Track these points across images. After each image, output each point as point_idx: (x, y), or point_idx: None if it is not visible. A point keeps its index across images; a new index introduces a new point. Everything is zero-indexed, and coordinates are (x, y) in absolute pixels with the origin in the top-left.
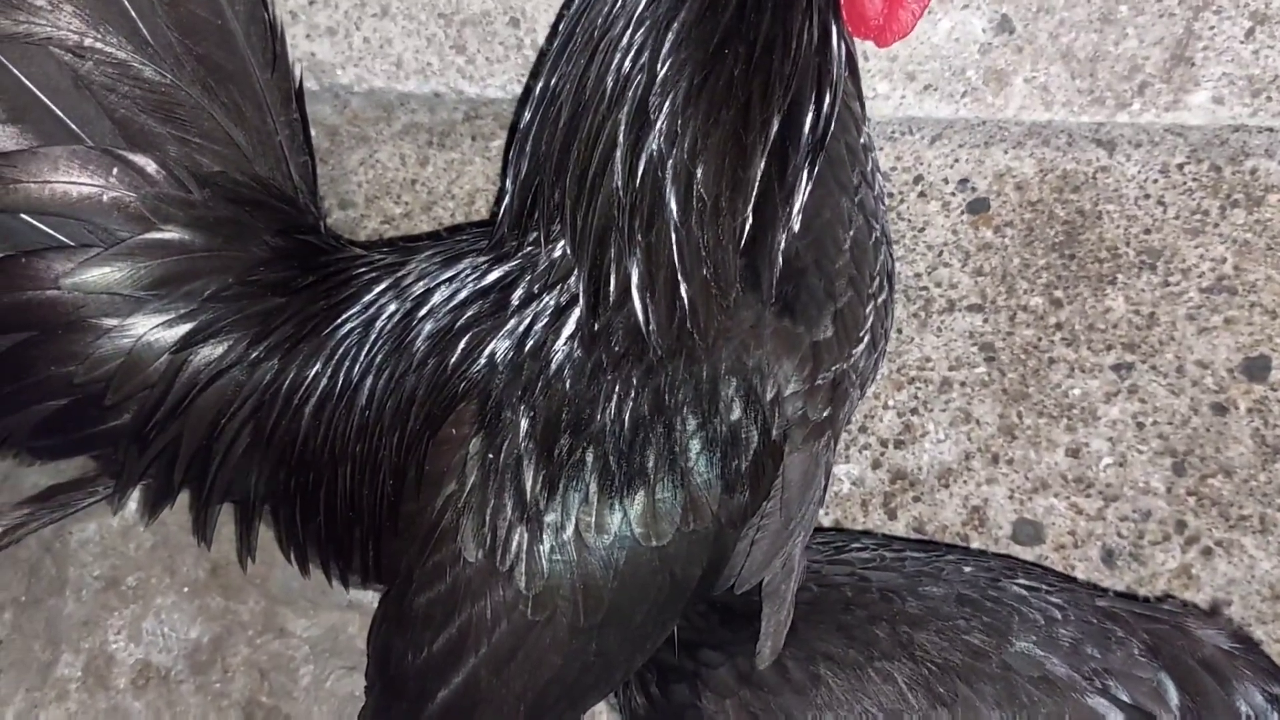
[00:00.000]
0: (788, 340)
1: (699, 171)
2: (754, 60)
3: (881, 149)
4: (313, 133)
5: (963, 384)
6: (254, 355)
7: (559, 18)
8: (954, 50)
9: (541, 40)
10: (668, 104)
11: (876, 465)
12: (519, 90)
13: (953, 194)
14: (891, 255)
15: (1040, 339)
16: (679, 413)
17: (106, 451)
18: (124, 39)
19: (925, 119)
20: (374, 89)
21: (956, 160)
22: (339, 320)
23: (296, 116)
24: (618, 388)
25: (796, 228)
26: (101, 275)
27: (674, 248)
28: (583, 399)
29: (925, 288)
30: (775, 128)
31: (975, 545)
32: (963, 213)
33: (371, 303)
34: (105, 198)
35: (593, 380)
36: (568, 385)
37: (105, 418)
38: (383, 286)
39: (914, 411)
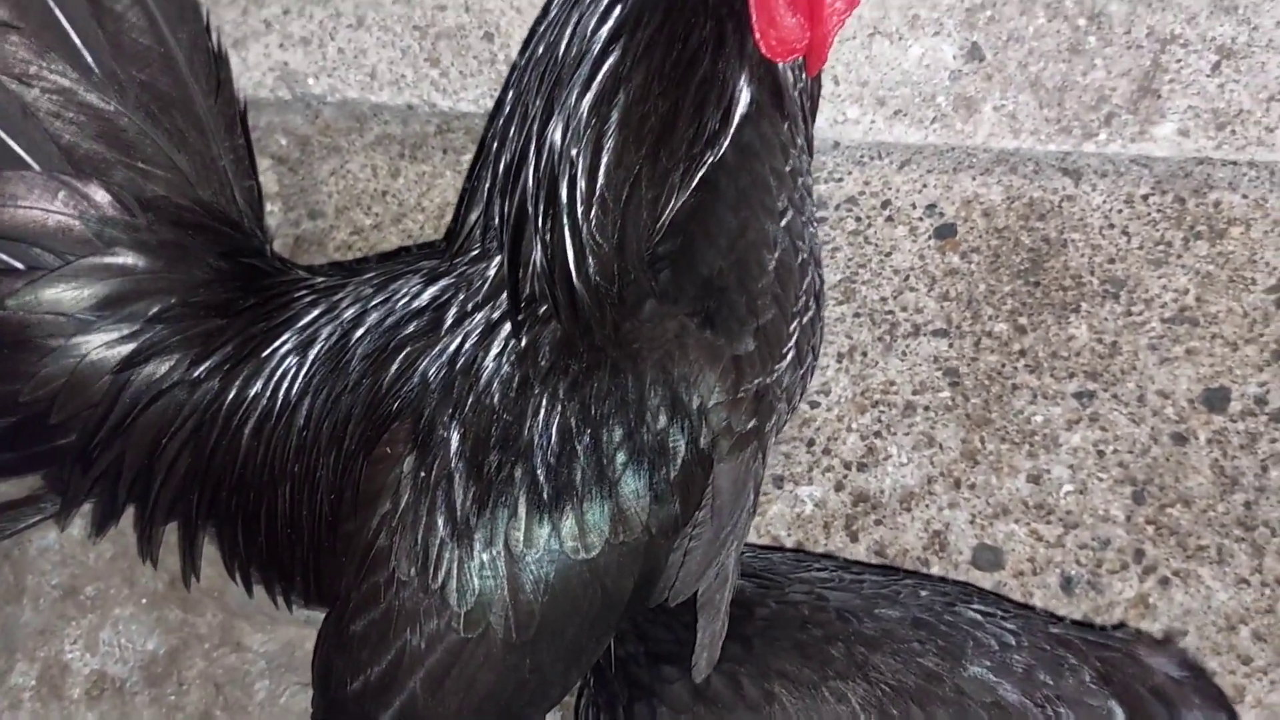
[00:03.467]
0: (711, 352)
1: (591, 168)
2: (664, 79)
3: (850, 173)
4: (283, 142)
5: (926, 408)
6: (195, 375)
7: (530, 34)
8: (924, 77)
9: (515, 55)
10: (584, 109)
11: (839, 487)
12: (491, 104)
13: (920, 219)
14: (820, 276)
15: (1004, 365)
16: (605, 424)
17: (52, 470)
18: (69, 66)
19: (895, 144)
20: (347, 99)
21: (925, 186)
22: (278, 342)
23: (241, 142)
24: (544, 401)
25: (663, 239)
26: (47, 296)
27: (566, 241)
28: (511, 414)
29: (891, 311)
30: (676, 143)
31: (936, 569)
32: (930, 238)
33: (310, 324)
34: (51, 221)
35: (520, 395)
36: (496, 401)
37: (51, 436)
38: (322, 309)
39: (877, 434)
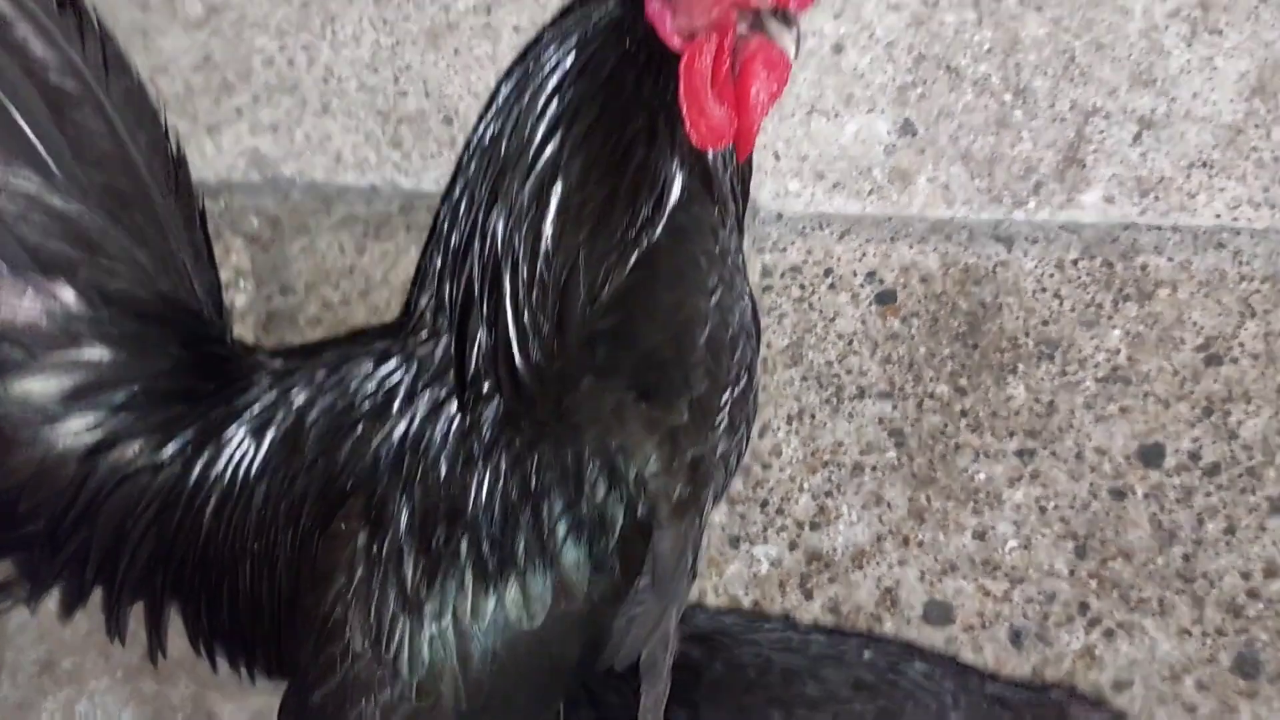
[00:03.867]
0: (648, 424)
1: (532, 254)
2: (600, 168)
3: (794, 243)
4: (255, 222)
5: (874, 468)
6: (158, 460)
7: (478, 121)
8: (860, 151)
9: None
10: (525, 197)
11: (793, 546)
12: None
13: (862, 286)
14: (753, 348)
15: (947, 425)
16: (546, 496)
17: (21, 556)
18: (33, 172)
19: (835, 215)
20: (314, 181)
21: (865, 254)
22: (237, 425)
23: (200, 236)
24: (488, 475)
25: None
26: (17, 390)
27: (509, 323)
28: (457, 489)
29: (837, 375)
30: (614, 226)
31: (889, 626)
32: (871, 304)
33: (267, 408)
34: (20, 319)
35: (465, 470)
36: (443, 477)
37: (20, 524)
38: (277, 392)
39: (828, 494)
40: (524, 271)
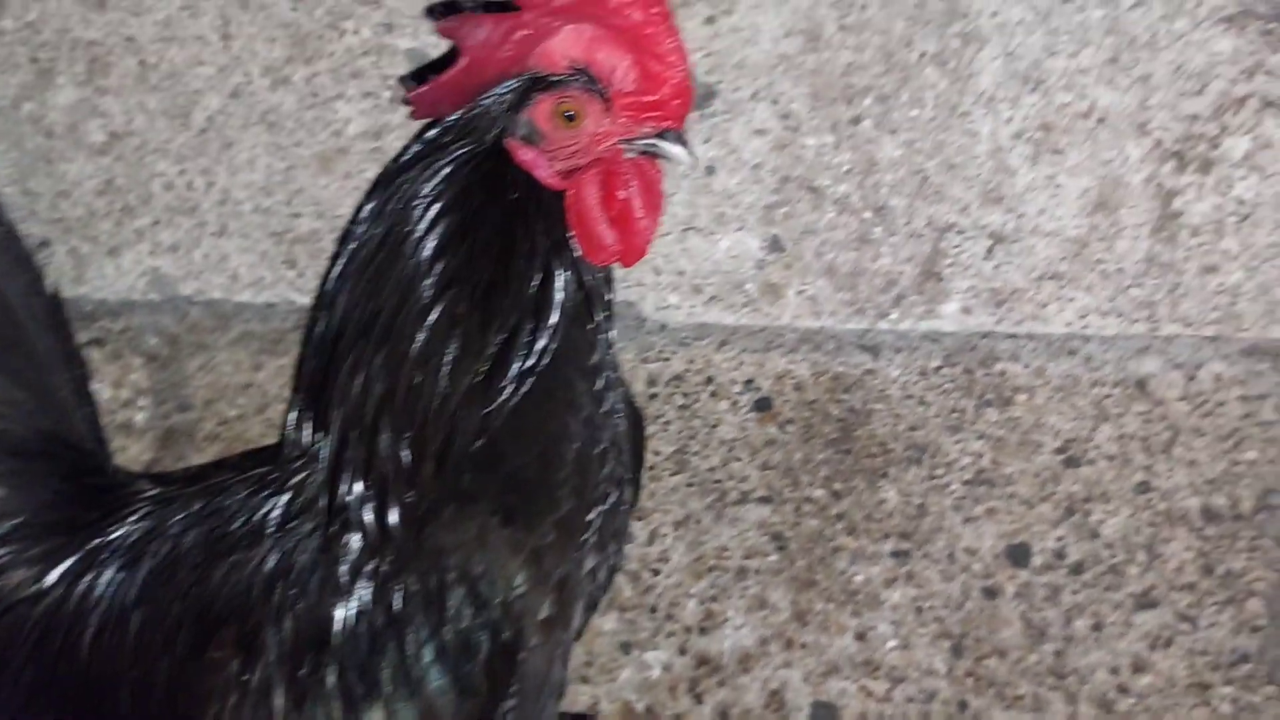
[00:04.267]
0: (512, 547)
1: (412, 393)
2: (474, 298)
3: (676, 353)
4: (154, 341)
5: (757, 571)
6: (38, 590)
7: (343, 233)
8: (733, 266)
9: None
10: (400, 331)
11: (683, 651)
12: None
13: (740, 394)
14: (623, 463)
15: (824, 529)
16: (410, 623)
17: None
18: None
19: (713, 326)
20: (213, 300)
21: (741, 363)
22: (115, 554)
23: (80, 372)
24: (354, 604)
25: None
26: None
27: (387, 463)
28: (324, 618)
29: (719, 480)
30: (487, 358)
31: None
32: (749, 411)
33: (144, 538)
34: None
35: (333, 599)
36: (313, 605)
37: None
38: (154, 521)
39: (714, 599)
40: (400, 418)
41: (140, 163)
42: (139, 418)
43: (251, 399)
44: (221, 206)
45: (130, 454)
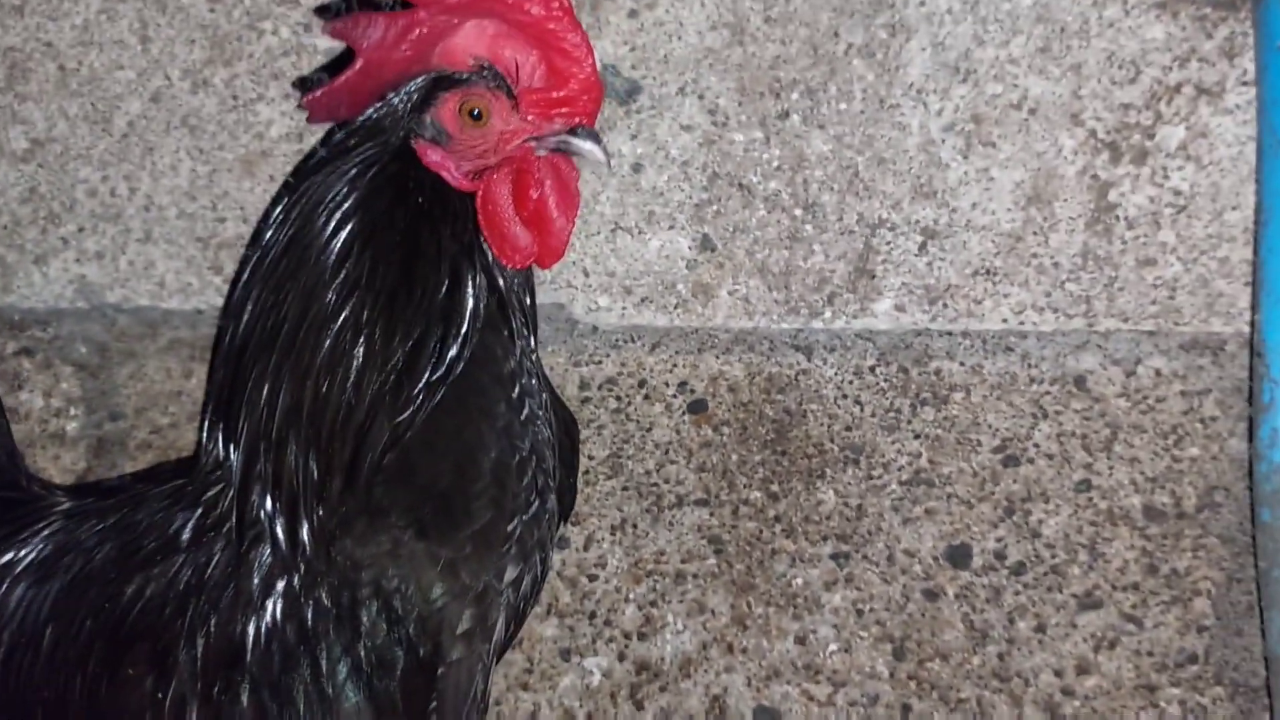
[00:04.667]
0: (426, 561)
1: (318, 404)
2: (378, 305)
3: (608, 355)
4: (83, 349)
5: (695, 576)
6: None
7: (253, 236)
8: (665, 266)
9: None
10: (304, 339)
11: (622, 657)
12: None
13: (674, 396)
14: (545, 470)
15: (762, 531)
16: (323, 640)
17: None
18: None
19: (645, 327)
20: (140, 307)
21: (675, 365)
22: (26, 569)
23: None
24: (266, 620)
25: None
26: None
27: (295, 477)
28: (237, 634)
29: (655, 484)
30: (393, 368)
31: None
32: (684, 413)
33: (55, 553)
34: None
35: (244, 615)
36: (224, 622)
37: None
38: (65, 537)
39: (653, 604)
40: (307, 429)
41: (63, 169)
42: (70, 427)
43: (183, 407)
44: (146, 212)
45: (63, 463)
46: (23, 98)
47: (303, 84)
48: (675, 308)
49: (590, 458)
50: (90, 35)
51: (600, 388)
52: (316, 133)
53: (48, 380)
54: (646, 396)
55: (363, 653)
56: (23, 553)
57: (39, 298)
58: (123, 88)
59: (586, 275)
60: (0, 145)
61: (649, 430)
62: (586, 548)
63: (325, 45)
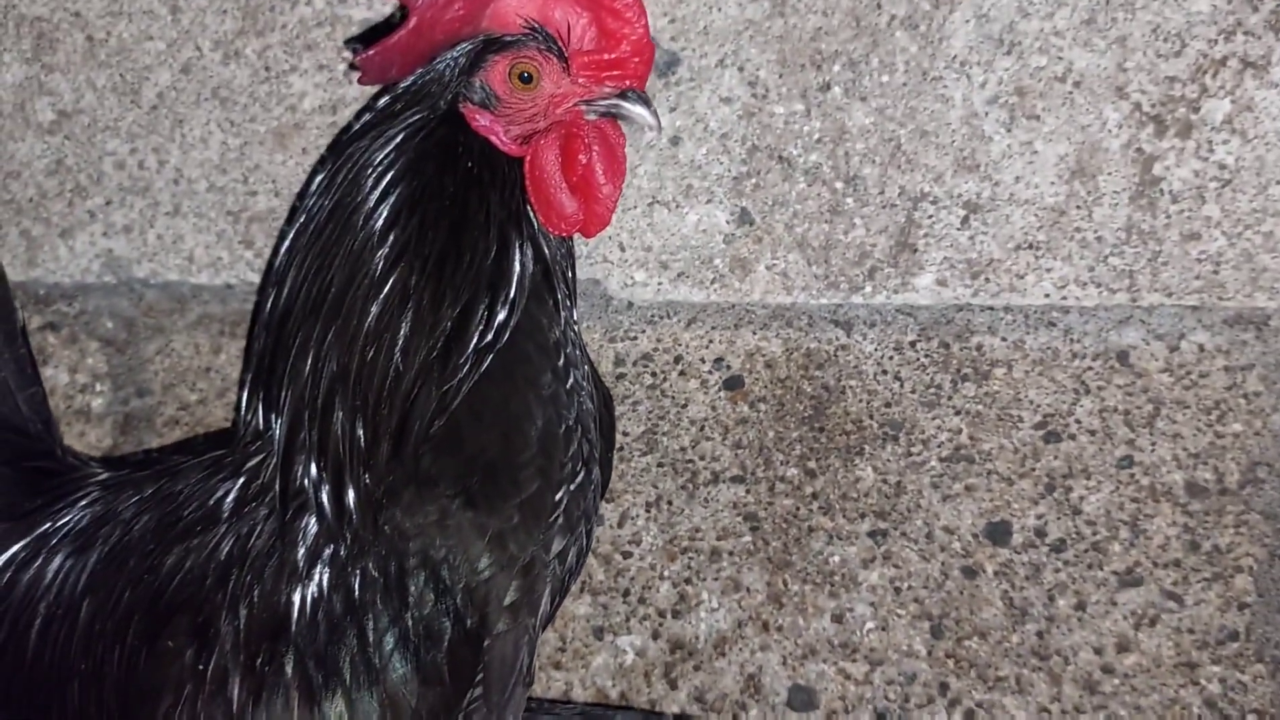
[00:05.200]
0: (474, 531)
1: (365, 370)
2: (426, 271)
3: (644, 331)
4: (110, 324)
5: (731, 553)
6: None
7: (292, 208)
8: (702, 241)
9: None
10: (351, 305)
11: (656, 635)
12: None
13: (710, 372)
14: (593, 440)
15: (799, 508)
16: (370, 610)
17: None
18: None
19: (681, 303)
20: (168, 282)
21: (711, 341)
22: (63, 541)
23: (24, 352)
24: (312, 591)
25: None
26: None
27: (341, 444)
28: (281, 605)
29: (690, 461)
30: (441, 333)
31: (754, 713)
32: (720, 389)
33: (92, 524)
34: None
35: (289, 585)
36: (269, 593)
37: None
38: (104, 507)
39: (688, 581)
40: (353, 396)
41: (90, 141)
42: (97, 403)
43: (212, 383)
44: (175, 185)
45: (89, 440)
46: (50, 69)
47: (350, 46)
48: (712, 283)
49: (625, 434)
50: (119, 5)
51: (635, 364)
52: (351, 105)
53: (74, 356)
54: (682, 373)
55: (410, 623)
56: (60, 523)
57: (65, 272)
58: (152, 59)
59: (623, 250)
60: (26, 117)
61: (684, 406)
62: (621, 524)
63: (360, 16)
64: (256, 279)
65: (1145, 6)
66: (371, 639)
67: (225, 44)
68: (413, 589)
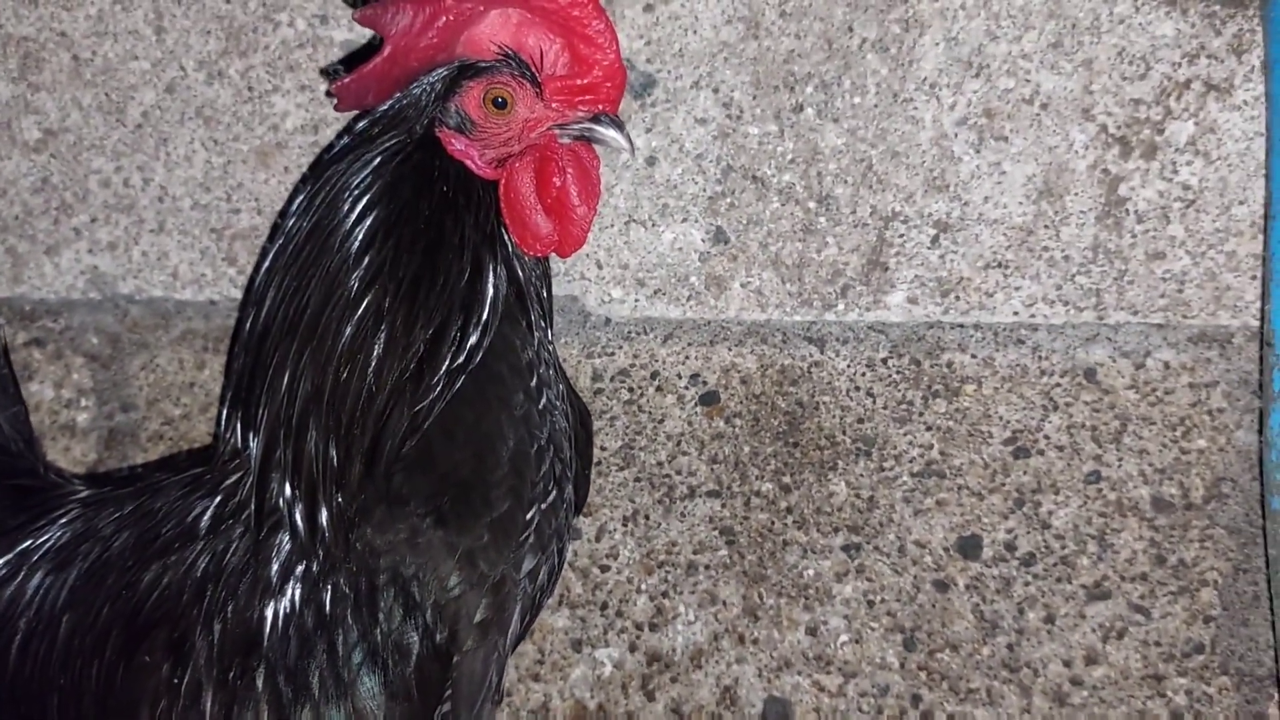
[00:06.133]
0: (444, 549)
1: (339, 390)
2: (400, 293)
3: (621, 347)
4: (95, 340)
5: (707, 567)
6: None
7: (273, 227)
8: (677, 259)
9: None
10: (326, 326)
11: (633, 648)
12: None
13: (686, 388)
14: (563, 460)
15: (774, 522)
16: (340, 625)
17: None
18: None
19: (657, 320)
20: (153, 298)
21: (687, 357)
22: (44, 558)
23: (6, 372)
24: (284, 605)
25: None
26: None
27: (315, 463)
28: (254, 621)
29: (667, 475)
30: (414, 355)
31: None
32: (696, 405)
33: (72, 541)
34: None
35: (262, 600)
36: (241, 608)
37: None
38: (83, 525)
39: (665, 595)
40: (327, 416)
41: (76, 159)
42: (82, 418)
43: (195, 398)
44: (159, 203)
45: (74, 455)
46: (35, 88)
47: (328, 73)
48: (688, 300)
49: (603, 449)
50: (104, 25)
51: (613, 379)
52: (333, 125)
53: (59, 371)
54: (659, 388)
55: (379, 639)
56: (40, 540)
57: (50, 288)
58: (137, 78)
59: (600, 267)
60: (13, 135)
61: (661, 422)
62: (598, 539)
63: (342, 38)
64: (239, 295)
65: (1111, 30)
66: (341, 654)
67: (209, 64)
68: (382, 605)
